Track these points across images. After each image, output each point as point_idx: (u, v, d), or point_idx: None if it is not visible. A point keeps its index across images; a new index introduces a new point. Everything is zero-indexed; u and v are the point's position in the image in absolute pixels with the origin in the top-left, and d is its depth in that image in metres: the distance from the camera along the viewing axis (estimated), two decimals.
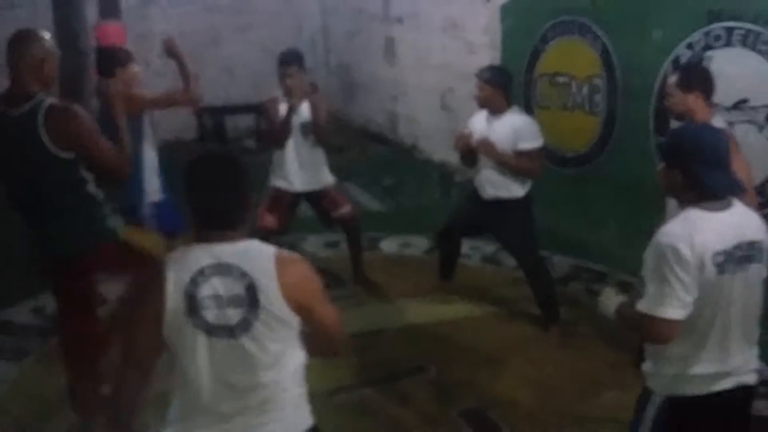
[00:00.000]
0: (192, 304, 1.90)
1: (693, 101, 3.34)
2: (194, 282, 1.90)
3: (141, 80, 4.34)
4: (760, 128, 4.56)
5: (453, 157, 4.61)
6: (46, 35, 2.94)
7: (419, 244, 5.66)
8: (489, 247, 5.32)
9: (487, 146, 4.08)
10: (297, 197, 4.70)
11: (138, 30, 8.19)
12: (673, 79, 3.47)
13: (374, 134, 9.17)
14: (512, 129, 4.09)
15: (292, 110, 4.43)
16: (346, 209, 4.78)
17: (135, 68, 4.22)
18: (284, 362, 1.99)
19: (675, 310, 2.12)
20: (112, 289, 3.46)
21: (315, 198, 4.76)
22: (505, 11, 6.53)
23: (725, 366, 2.25)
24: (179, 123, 8.77)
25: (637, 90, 5.24)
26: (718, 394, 2.26)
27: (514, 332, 4.32)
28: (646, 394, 2.35)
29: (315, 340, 2.07)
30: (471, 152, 4.25)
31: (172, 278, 1.92)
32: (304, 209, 4.97)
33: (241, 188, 1.99)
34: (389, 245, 5.72)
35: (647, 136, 5.08)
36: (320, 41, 10.02)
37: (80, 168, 2.88)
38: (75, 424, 3.32)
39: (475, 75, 4.22)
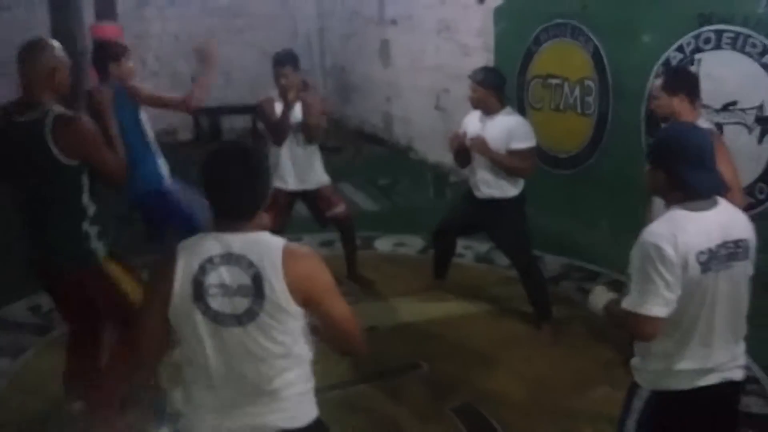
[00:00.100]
0: (199, 291, 1.95)
1: (678, 104, 3.39)
2: (202, 269, 1.95)
3: (134, 75, 4.38)
4: (750, 130, 4.63)
5: (447, 158, 4.67)
6: (57, 44, 2.97)
7: (413, 244, 5.71)
8: (482, 246, 5.37)
9: (480, 144, 4.13)
10: (292, 197, 4.75)
11: (134, 31, 8.24)
12: (658, 82, 3.53)
13: (369, 135, 9.23)
14: (505, 129, 4.14)
15: (288, 109, 4.48)
16: (340, 209, 4.84)
17: (129, 63, 4.25)
18: (290, 354, 2.02)
19: (658, 308, 2.17)
20: None
21: (310, 197, 4.82)
22: (499, 14, 6.60)
23: (710, 362, 2.29)
24: (176, 123, 8.82)
25: (628, 92, 5.31)
26: (703, 389, 2.30)
27: (506, 330, 4.37)
28: (633, 389, 2.40)
29: (329, 336, 2.09)
30: (464, 152, 4.30)
31: (182, 264, 1.97)
32: (299, 209, 5.03)
33: (255, 180, 2.02)
34: (384, 244, 5.77)
35: (638, 138, 5.14)
36: (316, 43, 10.08)
37: (82, 176, 2.92)
38: (72, 419, 3.36)
39: (469, 76, 4.28)
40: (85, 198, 2.94)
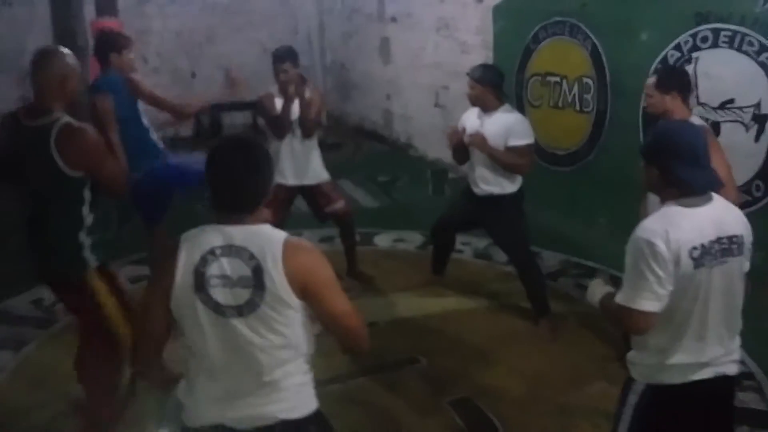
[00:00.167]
0: (200, 282, 1.97)
1: (671, 102, 3.44)
2: (204, 260, 1.98)
3: (135, 68, 4.41)
4: (747, 128, 4.66)
5: (446, 155, 4.70)
6: (68, 52, 2.98)
7: (412, 240, 5.75)
8: (481, 242, 5.40)
9: (478, 140, 4.16)
10: (292, 192, 4.79)
11: (135, 28, 8.23)
12: (651, 80, 3.57)
13: (369, 132, 9.26)
14: (504, 126, 4.17)
15: (288, 104, 4.51)
16: (339, 205, 4.87)
17: (131, 55, 4.27)
18: (290, 345, 2.03)
19: (650, 302, 2.20)
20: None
21: (309, 193, 4.85)
22: (498, 12, 6.63)
23: (703, 356, 2.31)
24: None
25: (626, 90, 5.34)
26: (697, 383, 2.32)
27: (504, 325, 4.41)
28: (629, 383, 2.42)
29: (332, 332, 2.09)
30: (462, 148, 4.34)
31: (184, 255, 2.00)
32: (299, 205, 5.06)
33: (256, 173, 2.04)
34: (383, 240, 5.81)
35: (636, 135, 5.17)
36: (316, 41, 10.11)
37: (83, 189, 2.92)
38: (72, 411, 3.39)
39: (467, 74, 4.31)
40: (85, 209, 2.94)
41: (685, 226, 2.21)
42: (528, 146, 4.23)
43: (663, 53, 5.01)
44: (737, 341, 2.41)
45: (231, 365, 2.02)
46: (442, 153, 6.60)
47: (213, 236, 2.01)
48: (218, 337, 2.00)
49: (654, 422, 2.38)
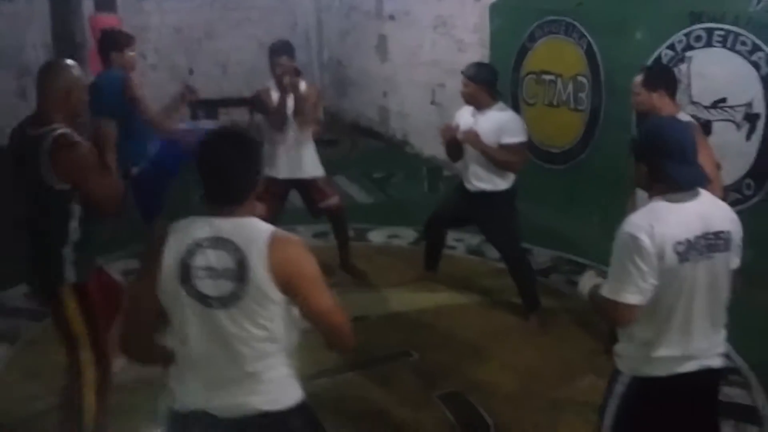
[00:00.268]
0: (185, 273, 1.99)
1: (658, 99, 3.48)
2: (190, 251, 1.99)
3: (135, 66, 4.43)
4: (738, 127, 4.69)
5: (442, 152, 4.72)
6: (74, 65, 2.99)
7: (407, 236, 5.78)
8: (474, 239, 5.44)
9: (471, 137, 4.19)
10: (286, 186, 4.81)
11: (133, 24, 8.25)
12: (638, 78, 3.61)
13: (365, 128, 9.28)
14: (497, 124, 4.20)
15: (284, 96, 4.55)
16: (333, 200, 4.89)
17: (132, 53, 4.30)
18: (273, 338, 2.04)
19: (633, 295, 2.24)
20: None
21: (304, 188, 4.88)
22: (494, 10, 6.66)
23: (688, 349, 2.33)
24: (174, 118, 8.85)
25: (620, 88, 5.33)
26: (682, 376, 2.34)
27: (495, 321, 4.44)
28: (615, 375, 2.45)
29: (316, 328, 2.09)
30: (457, 145, 4.36)
31: (171, 245, 2.02)
32: (294, 200, 5.09)
33: (245, 165, 2.04)
34: (377, 236, 5.84)
35: (629, 134, 5.19)
36: (314, 37, 10.12)
37: (70, 204, 2.89)
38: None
39: (461, 72, 4.34)
40: (73, 224, 2.91)
41: (671, 221, 2.24)
42: (521, 144, 4.26)
43: (657, 52, 5.05)
44: (722, 335, 2.44)
45: (214, 355, 2.04)
46: (438, 150, 6.63)
47: (201, 228, 2.02)
48: (202, 328, 2.02)
49: (639, 414, 2.40)
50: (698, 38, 4.83)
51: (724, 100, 4.72)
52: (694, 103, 4.79)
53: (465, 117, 4.36)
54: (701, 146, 2.94)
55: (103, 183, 2.88)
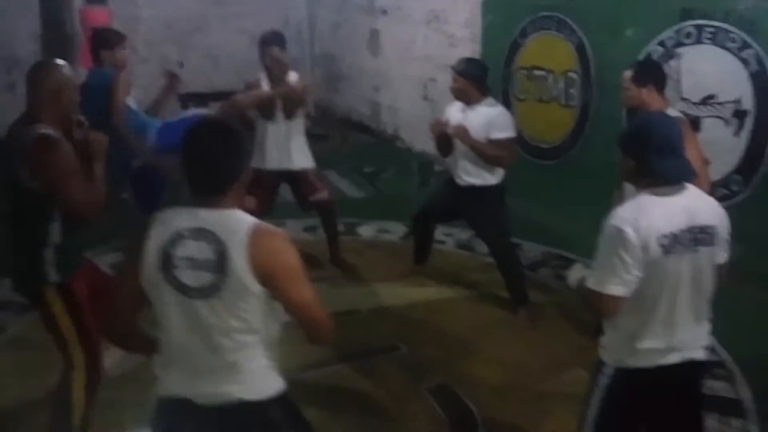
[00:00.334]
0: (167, 262, 2.00)
1: (647, 94, 3.51)
2: (172, 241, 2.00)
3: (126, 64, 4.42)
4: (727, 123, 4.72)
5: (433, 147, 4.73)
6: (64, 65, 2.95)
7: (397, 230, 5.78)
8: (463, 234, 5.45)
9: (461, 131, 4.20)
10: (275, 179, 4.81)
11: (124, 16, 8.24)
12: (627, 74, 3.63)
13: (357, 123, 9.29)
14: (486, 119, 4.21)
15: (275, 85, 4.56)
16: (323, 195, 4.90)
17: (123, 51, 4.27)
18: (252, 330, 2.03)
19: (617, 287, 2.26)
20: None
21: (294, 181, 4.88)
22: (486, 6, 6.67)
23: (672, 341, 2.35)
24: (164, 109, 8.83)
25: (610, 84, 5.35)
26: (666, 367, 2.37)
27: (484, 315, 4.45)
28: (599, 366, 2.47)
29: (296, 321, 2.08)
30: (446, 140, 4.37)
31: (153, 235, 2.02)
32: (284, 194, 5.08)
33: (227, 154, 2.03)
34: (367, 230, 5.85)
35: (619, 129, 5.16)
36: (306, 31, 10.11)
37: (46, 205, 2.84)
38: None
39: (451, 67, 4.35)
40: (53, 226, 2.86)
41: (656, 214, 2.26)
42: (509, 139, 4.28)
43: (647, 49, 5.07)
44: (706, 328, 2.46)
45: (193, 345, 2.04)
46: (429, 145, 6.63)
47: (183, 218, 2.02)
48: (182, 317, 2.02)
49: (623, 405, 2.43)
50: (688, 35, 4.86)
51: (713, 96, 4.75)
52: (683, 99, 4.82)
53: (455, 112, 4.37)
54: (690, 142, 2.96)
55: (82, 189, 2.81)
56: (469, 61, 4.52)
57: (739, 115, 4.64)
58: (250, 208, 2.13)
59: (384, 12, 8.51)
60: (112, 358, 3.28)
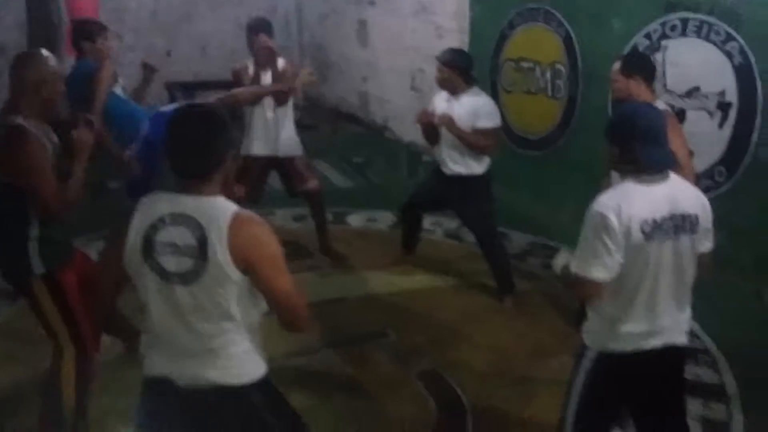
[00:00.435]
0: (148, 247, 2.02)
1: (634, 86, 3.55)
2: (153, 227, 2.02)
3: (109, 55, 4.38)
4: (711, 115, 4.78)
5: (421, 137, 4.77)
6: (48, 56, 2.90)
7: (385, 220, 5.83)
8: (451, 223, 5.50)
9: (446, 120, 4.25)
10: (264, 166, 4.82)
11: (111, 5, 8.20)
12: (616, 65, 3.67)
13: (345, 113, 9.29)
14: (471, 109, 4.26)
15: (259, 70, 4.58)
16: (311, 184, 4.92)
17: (106, 42, 4.21)
18: (232, 316, 2.05)
19: (599, 272, 2.31)
20: None
21: (283, 169, 4.90)
22: None
23: (653, 326, 2.41)
24: (151, 99, 8.79)
25: (597, 76, 5.42)
26: (647, 351, 2.42)
27: (471, 302, 4.51)
28: (582, 350, 2.52)
29: (272, 308, 2.09)
30: (433, 130, 4.42)
31: (136, 220, 2.05)
32: (273, 183, 5.10)
33: (210, 139, 2.04)
34: (356, 220, 5.88)
35: (605, 121, 5.26)
36: (294, 21, 10.08)
37: (20, 199, 2.80)
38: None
39: (436, 57, 4.39)
40: (33, 219, 2.83)
41: (638, 201, 2.31)
42: (494, 128, 4.33)
43: (633, 41, 5.11)
44: (687, 313, 2.51)
45: (174, 329, 2.07)
46: (417, 136, 6.64)
47: (166, 203, 2.05)
48: (162, 301, 2.05)
49: (605, 389, 2.48)
50: (673, 27, 4.91)
51: (697, 88, 4.80)
52: (668, 91, 4.87)
53: (440, 102, 4.41)
54: (675, 133, 3.02)
55: (49, 185, 2.76)
56: (453, 51, 4.56)
57: (723, 107, 4.69)
58: (239, 197, 2.15)
59: (372, 3, 8.51)
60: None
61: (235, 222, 1.99)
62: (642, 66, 3.66)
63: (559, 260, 2.59)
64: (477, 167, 4.37)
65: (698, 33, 4.77)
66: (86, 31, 4.22)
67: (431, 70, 6.22)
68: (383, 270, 4.87)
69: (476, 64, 4.57)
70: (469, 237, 5.04)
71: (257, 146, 4.74)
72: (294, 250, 4.80)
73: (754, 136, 4.55)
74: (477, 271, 4.75)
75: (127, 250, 2.04)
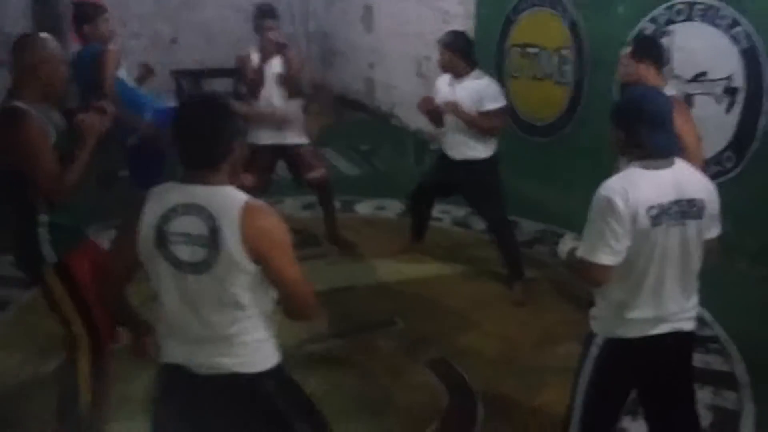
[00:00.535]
0: (161, 237, 2.05)
1: (644, 70, 3.53)
2: (165, 217, 2.04)
3: (111, 37, 4.36)
4: (718, 100, 4.77)
5: (428, 124, 4.79)
6: (48, 38, 2.88)
7: (393, 207, 5.84)
8: (460, 211, 5.52)
9: (453, 107, 4.26)
10: (272, 156, 4.83)
11: None
12: (626, 50, 3.66)
13: (352, 101, 9.28)
14: (475, 91, 4.27)
15: (264, 59, 4.59)
16: (319, 173, 4.92)
17: (106, 25, 4.21)
18: (245, 305, 2.08)
19: (606, 256, 2.32)
20: None
21: (290, 158, 4.90)
22: None
23: (660, 312, 2.41)
24: (157, 87, 8.79)
25: (603, 62, 5.40)
26: (654, 337, 2.43)
27: (480, 290, 4.53)
28: (590, 336, 2.53)
29: (280, 296, 2.12)
30: (437, 114, 4.43)
31: (147, 210, 2.07)
32: (281, 172, 5.12)
33: (218, 128, 2.05)
34: (364, 208, 5.90)
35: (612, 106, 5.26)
36: (299, 8, 10.04)
37: (24, 185, 2.79)
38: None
39: (437, 41, 4.40)
40: (40, 204, 2.83)
41: (645, 185, 2.31)
42: (501, 109, 4.34)
43: (639, 26, 5.09)
44: (694, 299, 2.51)
45: (187, 317, 2.10)
46: (424, 122, 6.64)
47: (177, 194, 2.07)
48: (175, 291, 2.08)
49: (613, 375, 2.49)
50: (679, 12, 4.89)
51: (704, 73, 4.78)
52: (675, 76, 4.85)
53: (443, 85, 4.42)
54: (685, 119, 3.00)
55: (48, 168, 2.73)
56: (454, 33, 4.56)
57: (731, 92, 4.68)
58: (247, 186, 2.17)
59: None
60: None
61: (247, 212, 2.01)
62: (652, 51, 3.64)
63: (565, 245, 2.59)
64: (483, 150, 4.38)
65: (704, 17, 4.75)
66: (86, 14, 4.21)
67: (437, 56, 6.23)
68: (392, 258, 4.88)
69: (482, 49, 4.57)
70: (478, 225, 5.06)
71: (264, 135, 4.75)
72: (303, 238, 4.84)
73: (762, 121, 4.54)
74: (486, 259, 4.77)
75: (140, 241, 2.07)
